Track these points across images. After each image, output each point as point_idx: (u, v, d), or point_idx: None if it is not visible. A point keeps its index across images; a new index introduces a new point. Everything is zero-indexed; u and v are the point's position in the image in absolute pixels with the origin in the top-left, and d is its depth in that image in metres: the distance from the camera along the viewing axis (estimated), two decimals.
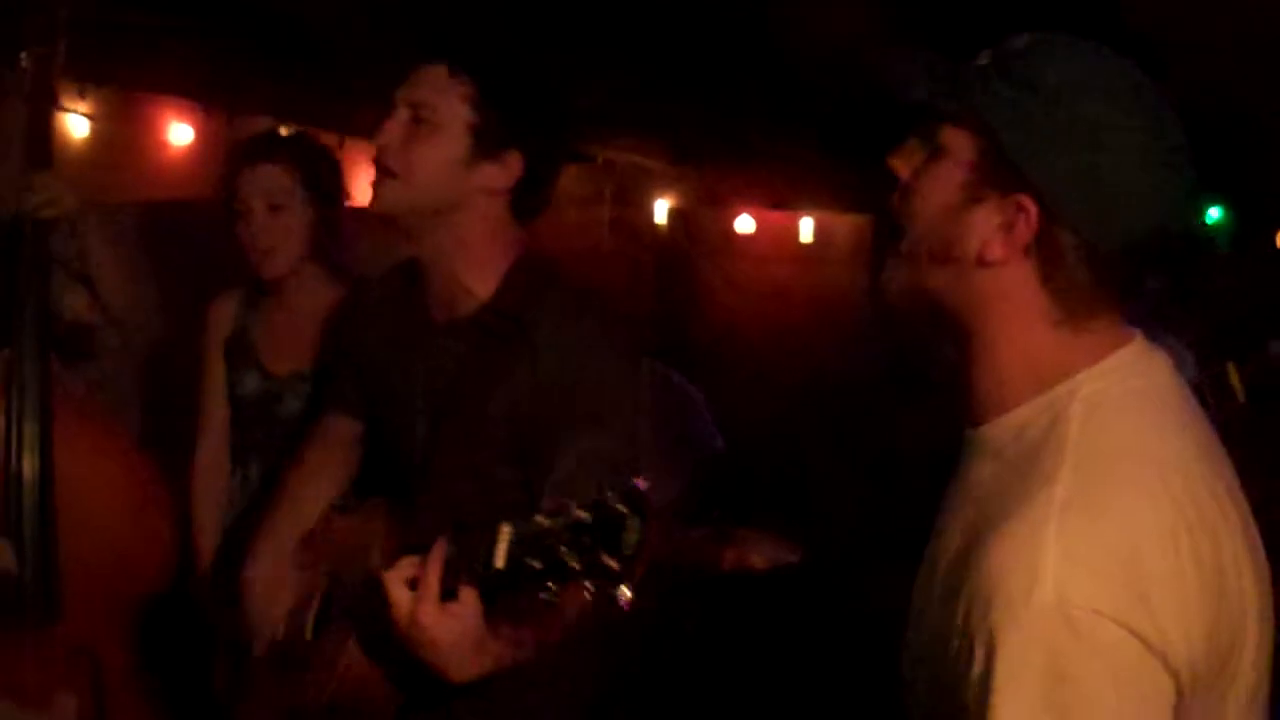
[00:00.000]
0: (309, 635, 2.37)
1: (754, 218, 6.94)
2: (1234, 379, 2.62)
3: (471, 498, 2.22)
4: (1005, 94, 1.43)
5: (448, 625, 1.91)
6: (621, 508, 1.64)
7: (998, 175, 1.42)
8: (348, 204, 3.28)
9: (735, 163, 6.36)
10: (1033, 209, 1.41)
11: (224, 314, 3.26)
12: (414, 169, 2.22)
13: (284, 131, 3.59)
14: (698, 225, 7.17)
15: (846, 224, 6.80)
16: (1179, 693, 1.32)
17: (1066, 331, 1.45)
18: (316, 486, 2.55)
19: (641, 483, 1.68)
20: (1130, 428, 1.41)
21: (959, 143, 1.46)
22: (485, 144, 2.22)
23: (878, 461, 4.59)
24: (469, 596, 1.90)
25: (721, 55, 4.24)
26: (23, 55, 2.73)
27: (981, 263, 1.44)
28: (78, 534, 2.58)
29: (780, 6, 3.81)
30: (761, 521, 4.49)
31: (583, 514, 1.67)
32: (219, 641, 3.12)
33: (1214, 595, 1.35)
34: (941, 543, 1.51)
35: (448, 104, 2.21)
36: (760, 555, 4.34)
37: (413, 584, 1.94)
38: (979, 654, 1.32)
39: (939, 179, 1.47)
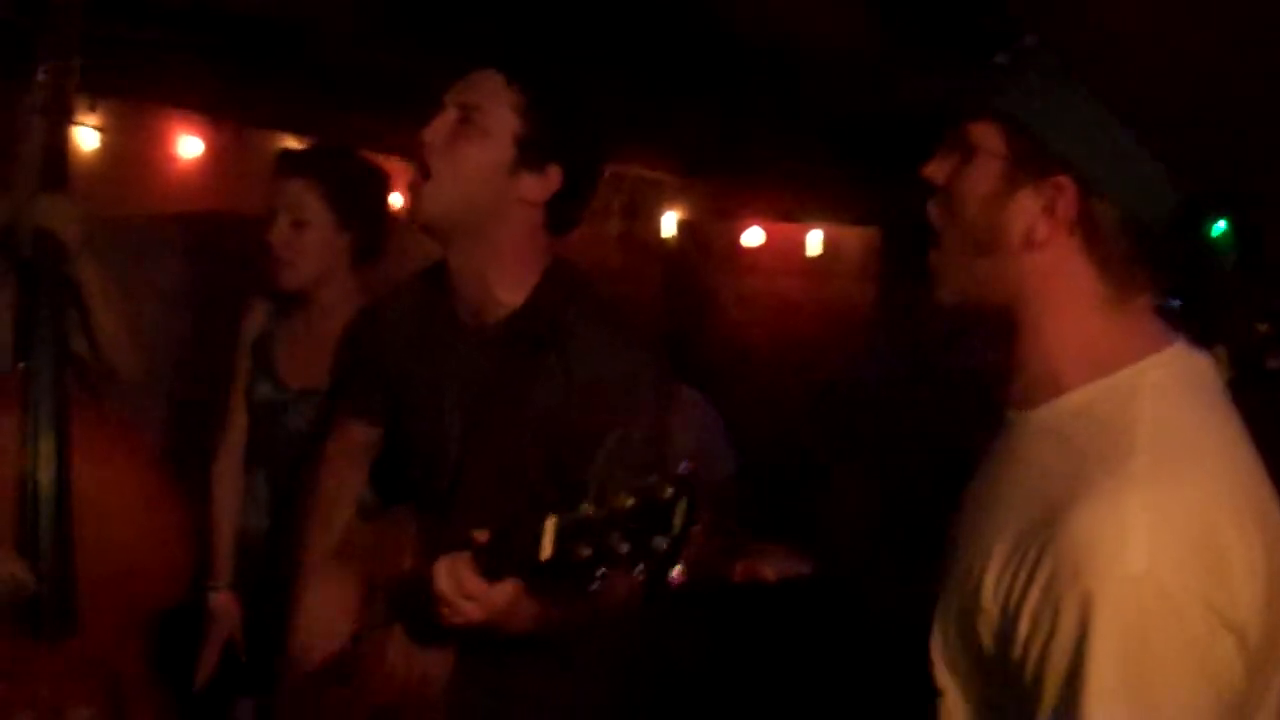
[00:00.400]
0: (349, 648, 2.38)
1: (762, 230, 6.94)
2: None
3: (506, 501, 2.20)
4: (1030, 84, 1.48)
5: (494, 596, 1.93)
6: (668, 490, 1.65)
7: (1032, 161, 1.48)
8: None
9: (744, 175, 6.37)
10: (1070, 187, 1.46)
11: (254, 317, 3.26)
12: (455, 170, 2.22)
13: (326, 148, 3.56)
14: (706, 238, 7.17)
15: (855, 236, 6.80)
16: (1248, 668, 1.35)
17: (1116, 314, 1.50)
18: (343, 493, 2.59)
19: (686, 465, 1.69)
20: (1197, 414, 1.46)
21: (990, 138, 1.51)
22: (529, 155, 2.23)
23: (887, 472, 4.59)
24: (511, 582, 1.93)
25: (729, 67, 4.25)
26: (39, 70, 2.73)
27: (1028, 245, 1.49)
28: (95, 546, 2.57)
29: (788, 18, 3.82)
30: (772, 533, 4.51)
31: (629, 500, 1.67)
32: (212, 644, 3.19)
33: (1275, 579, 1.38)
34: (995, 522, 1.52)
35: (497, 110, 2.22)
36: (771, 567, 4.35)
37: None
38: (1068, 620, 1.34)
39: (976, 175, 1.52)
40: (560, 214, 2.31)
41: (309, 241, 3.08)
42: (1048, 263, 1.49)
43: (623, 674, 2.44)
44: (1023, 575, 1.41)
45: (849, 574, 4.29)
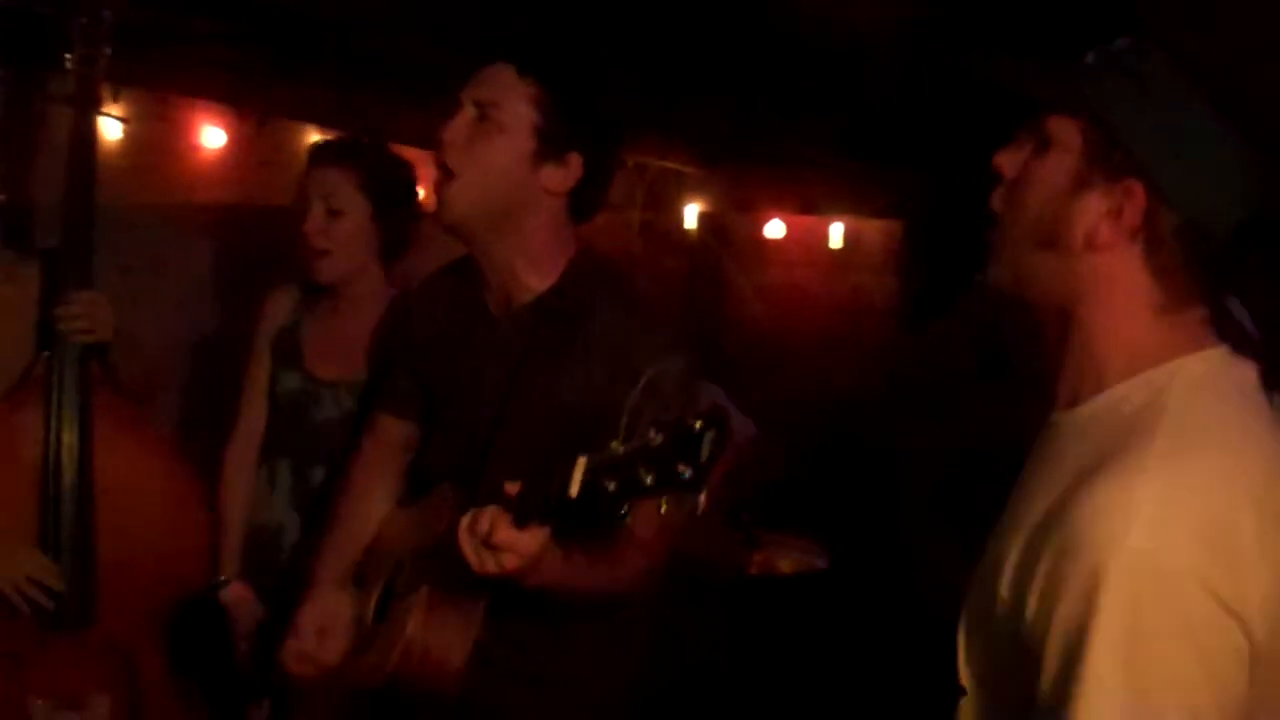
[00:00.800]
0: (370, 621, 2.40)
1: (784, 222, 6.92)
2: None
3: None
4: (1115, 85, 1.49)
5: (525, 541, 1.95)
6: (696, 423, 1.66)
7: (1107, 162, 1.48)
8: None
9: (766, 167, 6.36)
10: (1140, 193, 1.46)
11: (279, 307, 3.26)
12: (478, 167, 2.25)
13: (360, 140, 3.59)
14: (728, 230, 7.16)
15: (876, 229, 6.78)
16: (1254, 659, 1.35)
17: (1166, 319, 1.50)
18: (376, 493, 2.59)
19: (718, 401, 1.68)
20: (1226, 409, 1.46)
21: (1068, 132, 1.52)
22: (549, 146, 2.25)
23: (904, 467, 4.59)
24: (544, 526, 1.95)
25: (753, 59, 4.24)
26: (68, 58, 2.75)
27: (1090, 247, 1.50)
28: (114, 537, 2.59)
29: (813, 10, 3.81)
30: (789, 526, 4.51)
31: (658, 436, 1.69)
32: (240, 637, 3.16)
33: None
34: (1018, 515, 1.54)
35: (514, 104, 2.24)
36: (788, 559, 4.35)
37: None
38: (1072, 594, 1.35)
39: (1049, 168, 1.53)
40: (583, 201, 2.33)
41: (345, 231, 3.09)
42: (1106, 266, 1.50)
43: (639, 661, 2.47)
44: (1035, 556, 1.42)
45: (867, 566, 4.29)
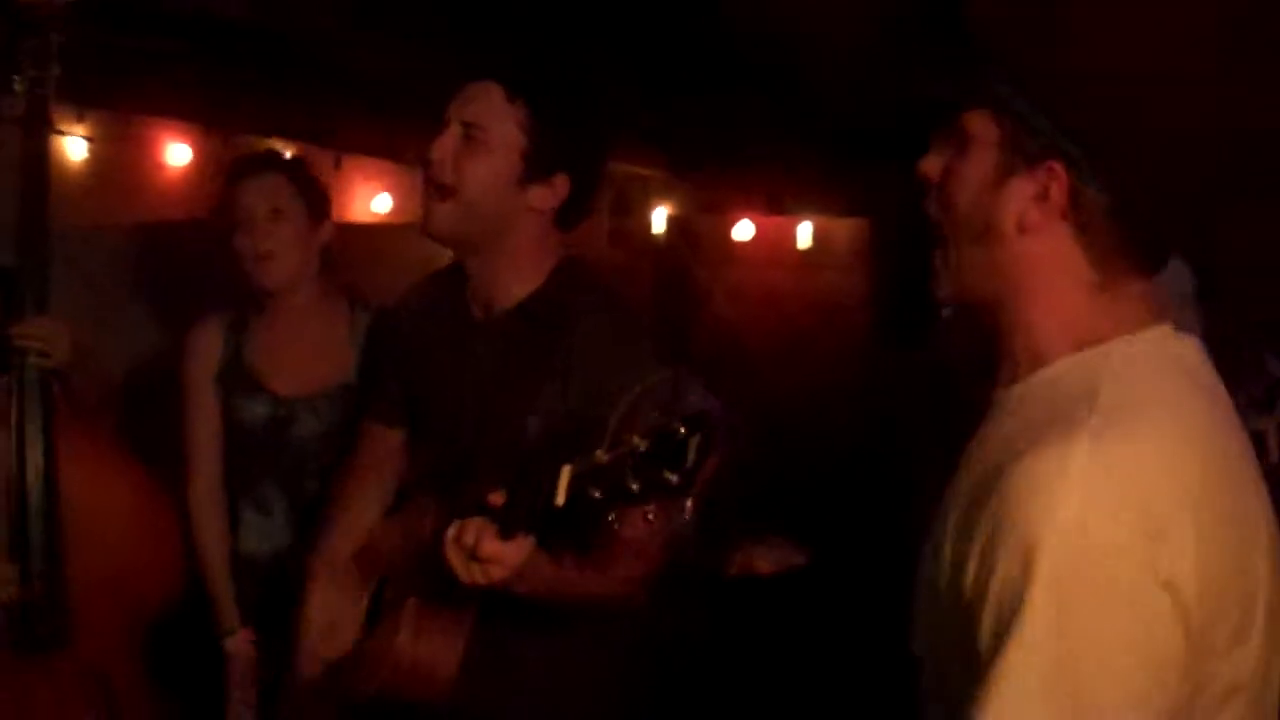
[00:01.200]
0: (359, 633, 2.41)
1: (752, 224, 6.92)
2: None
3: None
4: (1018, 70, 1.49)
5: (511, 552, 1.95)
6: (680, 428, 1.66)
7: (1025, 148, 1.48)
8: (343, 221, 3.28)
9: (733, 169, 6.36)
10: (1063, 173, 1.47)
11: (209, 341, 3.21)
12: (466, 186, 2.27)
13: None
14: (696, 233, 7.16)
15: (845, 228, 6.79)
16: (1187, 633, 1.34)
17: (1103, 297, 1.50)
18: (368, 500, 2.59)
19: (701, 401, 1.72)
20: (1163, 385, 1.46)
21: (983, 126, 1.52)
22: (536, 167, 2.28)
23: (879, 463, 4.60)
24: (530, 536, 1.95)
25: (717, 60, 4.25)
26: (16, 79, 2.74)
27: (1022, 232, 1.50)
28: (86, 555, 2.58)
29: (778, 9, 3.82)
30: (767, 527, 4.51)
31: (642, 442, 1.69)
32: (234, 670, 3.13)
33: (1231, 553, 1.39)
34: (956, 490, 1.54)
35: (501, 126, 2.26)
36: (766, 559, 4.36)
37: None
38: (1006, 567, 1.35)
39: (971, 164, 1.53)
40: (568, 215, 2.36)
41: (288, 233, 3.10)
42: (1039, 248, 1.50)
43: (629, 667, 2.48)
44: (971, 526, 1.42)
45: (844, 565, 4.30)
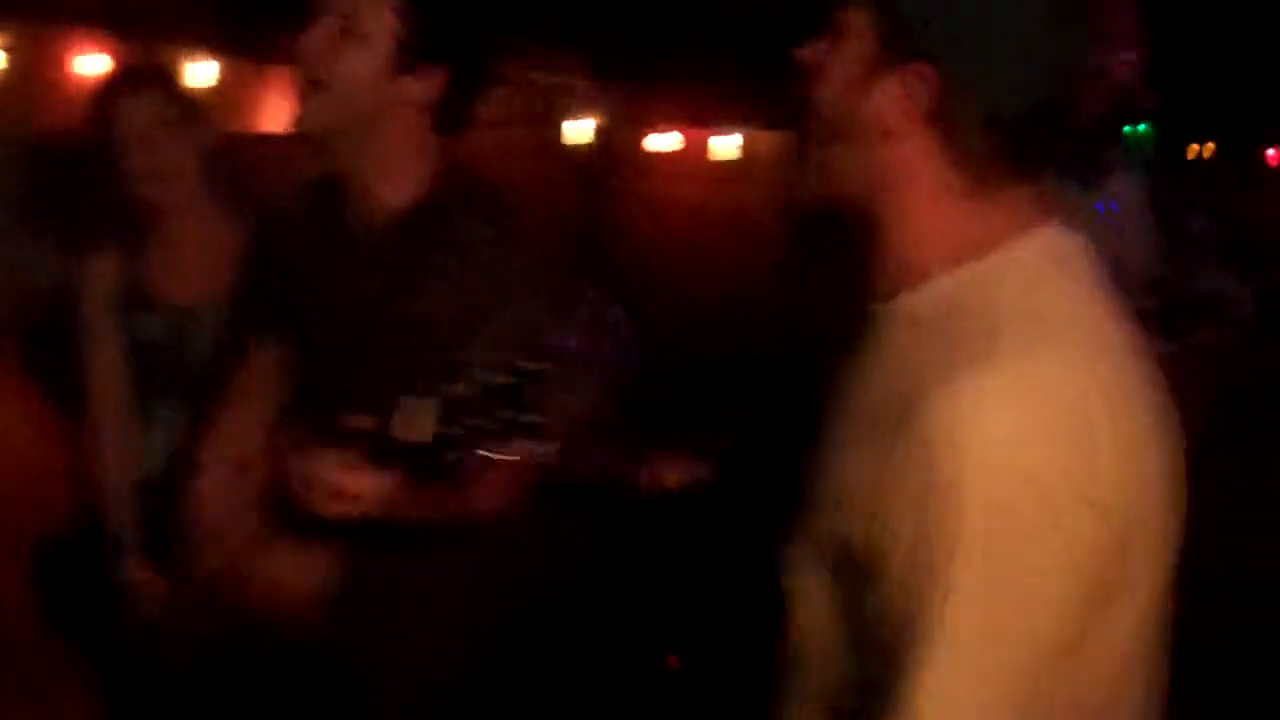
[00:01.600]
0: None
1: (674, 135, 6.92)
2: None
3: (391, 398, 2.07)
4: None
5: (375, 483, 1.95)
6: (540, 366, 1.66)
7: (897, 48, 1.42)
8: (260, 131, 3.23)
9: (655, 80, 6.34)
10: (932, 77, 1.41)
11: (104, 268, 3.14)
12: (337, 78, 2.19)
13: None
14: (617, 144, 7.14)
15: (767, 141, 6.80)
16: (1113, 546, 1.34)
17: (978, 204, 1.46)
18: (249, 413, 2.51)
19: (562, 340, 1.74)
20: (1064, 292, 1.44)
21: (857, 21, 1.46)
22: (409, 56, 2.19)
23: (790, 376, 4.61)
24: (393, 470, 1.94)
25: None
26: None
27: (883, 135, 1.45)
28: None
29: None
30: (676, 441, 4.52)
31: (503, 379, 1.68)
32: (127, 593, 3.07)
33: (1143, 461, 1.38)
34: (857, 412, 1.52)
35: (374, 14, 2.18)
36: (674, 474, 4.36)
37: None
38: (933, 506, 1.32)
39: (840, 59, 1.47)
40: (447, 115, 2.27)
41: (177, 147, 3.02)
42: (904, 153, 1.45)
43: (512, 577, 2.43)
44: (885, 463, 1.39)
45: (750, 480, 4.32)
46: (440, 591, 2.33)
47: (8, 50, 4.62)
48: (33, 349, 3.02)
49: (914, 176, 1.47)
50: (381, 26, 2.18)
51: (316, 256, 2.37)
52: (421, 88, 2.21)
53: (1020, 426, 1.32)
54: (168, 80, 3.15)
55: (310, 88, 2.21)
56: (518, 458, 1.70)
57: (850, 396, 1.57)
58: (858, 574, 1.47)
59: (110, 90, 3.10)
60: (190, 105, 3.10)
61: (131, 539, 3.08)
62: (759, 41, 4.86)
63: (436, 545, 2.26)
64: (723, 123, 6.82)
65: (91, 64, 5.04)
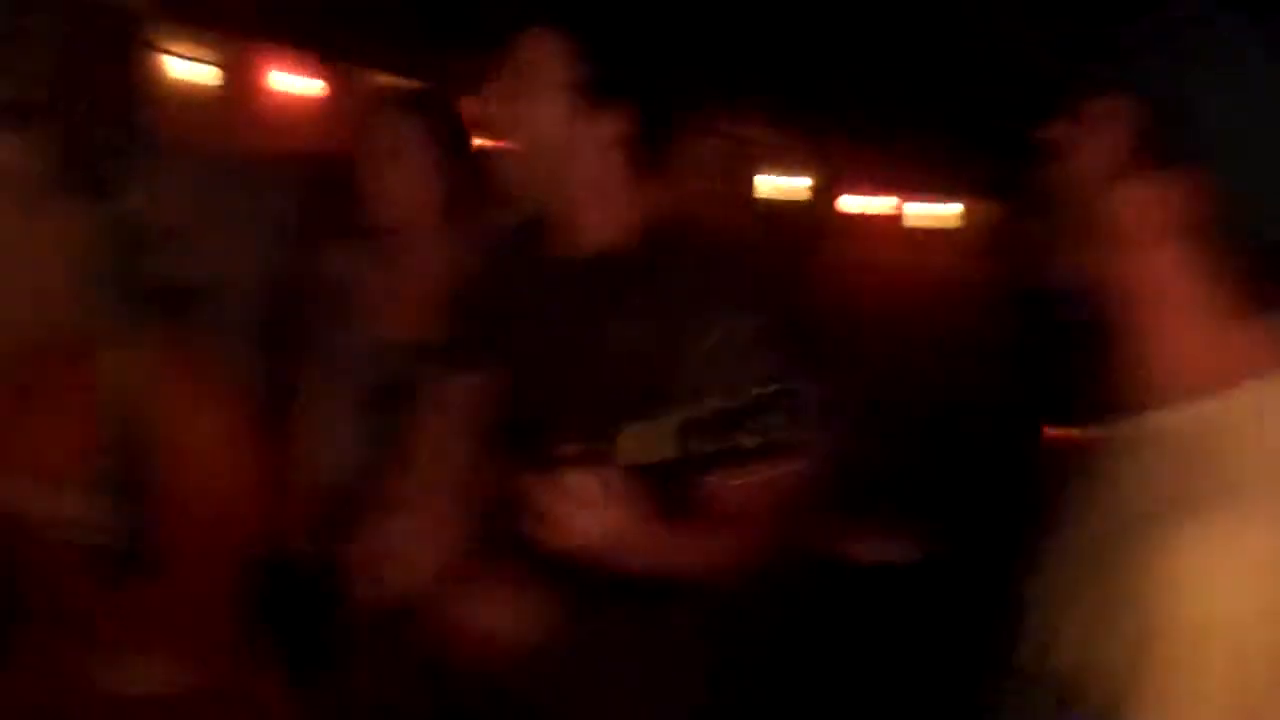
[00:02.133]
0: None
1: (871, 200, 6.91)
2: None
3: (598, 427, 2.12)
4: (1168, 62, 1.34)
5: (614, 515, 1.87)
6: (769, 390, 1.61)
7: (1159, 147, 1.33)
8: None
9: (860, 146, 6.34)
10: (1193, 186, 1.31)
11: (333, 265, 3.19)
12: (522, 124, 2.25)
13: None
14: (815, 205, 7.12)
15: (973, 211, 6.73)
16: None
17: (1229, 331, 1.36)
18: (450, 448, 2.51)
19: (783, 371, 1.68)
20: None
21: (1118, 112, 1.36)
22: (591, 95, 2.22)
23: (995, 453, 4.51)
24: (635, 490, 1.86)
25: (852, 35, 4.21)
26: None
27: (1136, 241, 1.36)
28: (181, 488, 2.53)
29: None
30: (880, 516, 4.44)
31: (756, 392, 1.63)
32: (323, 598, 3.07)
33: None
34: (1090, 528, 1.44)
35: (546, 63, 2.22)
36: (875, 550, 4.29)
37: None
38: (1133, 645, 1.27)
39: (1093, 150, 1.38)
40: (641, 153, 2.28)
41: (410, 175, 3.04)
42: (1154, 263, 1.36)
43: (716, 646, 2.35)
44: (1117, 592, 1.32)
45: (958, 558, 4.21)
46: (659, 651, 2.28)
47: (221, 67, 4.72)
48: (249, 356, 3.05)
49: (1166, 289, 1.37)
50: (554, 73, 2.21)
51: (520, 294, 2.41)
52: (608, 126, 2.23)
53: (1236, 594, 1.23)
54: (418, 106, 3.15)
55: (502, 134, 2.28)
56: (764, 475, 1.65)
57: (1085, 511, 1.47)
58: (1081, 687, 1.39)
59: (364, 110, 3.19)
60: (439, 135, 3.10)
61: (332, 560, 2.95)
62: (984, 112, 4.77)
63: (662, 597, 2.18)
64: (917, 190, 6.77)
65: (296, 83, 5.15)
